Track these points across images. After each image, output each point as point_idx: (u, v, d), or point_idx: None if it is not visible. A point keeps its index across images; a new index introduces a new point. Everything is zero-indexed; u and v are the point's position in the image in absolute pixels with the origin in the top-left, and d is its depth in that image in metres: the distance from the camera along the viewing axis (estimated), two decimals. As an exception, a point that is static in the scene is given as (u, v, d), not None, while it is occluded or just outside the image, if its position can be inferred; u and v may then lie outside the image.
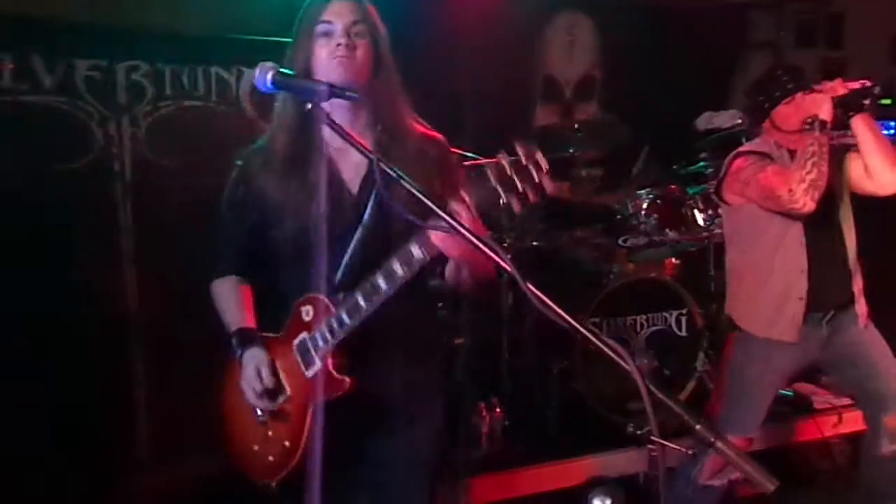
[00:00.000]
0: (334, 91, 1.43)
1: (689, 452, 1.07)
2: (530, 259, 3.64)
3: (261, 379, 1.66)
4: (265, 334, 1.74)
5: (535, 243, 3.65)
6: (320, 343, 1.63)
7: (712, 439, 1.04)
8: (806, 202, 2.36)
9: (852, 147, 2.72)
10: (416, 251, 1.48)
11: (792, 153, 2.54)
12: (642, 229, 3.53)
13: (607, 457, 3.14)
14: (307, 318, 1.66)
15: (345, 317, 1.58)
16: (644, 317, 3.39)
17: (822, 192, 2.38)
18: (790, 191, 2.36)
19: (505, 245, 3.46)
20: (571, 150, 3.48)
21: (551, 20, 4.74)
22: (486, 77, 4.08)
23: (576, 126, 3.55)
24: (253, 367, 1.67)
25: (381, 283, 1.53)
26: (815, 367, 2.87)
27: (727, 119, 4.37)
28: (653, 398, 1.05)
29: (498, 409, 3.21)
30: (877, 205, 2.65)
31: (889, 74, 4.23)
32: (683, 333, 3.45)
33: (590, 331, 1.11)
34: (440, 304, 3.49)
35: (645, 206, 3.58)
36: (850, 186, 2.67)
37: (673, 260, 3.86)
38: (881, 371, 2.65)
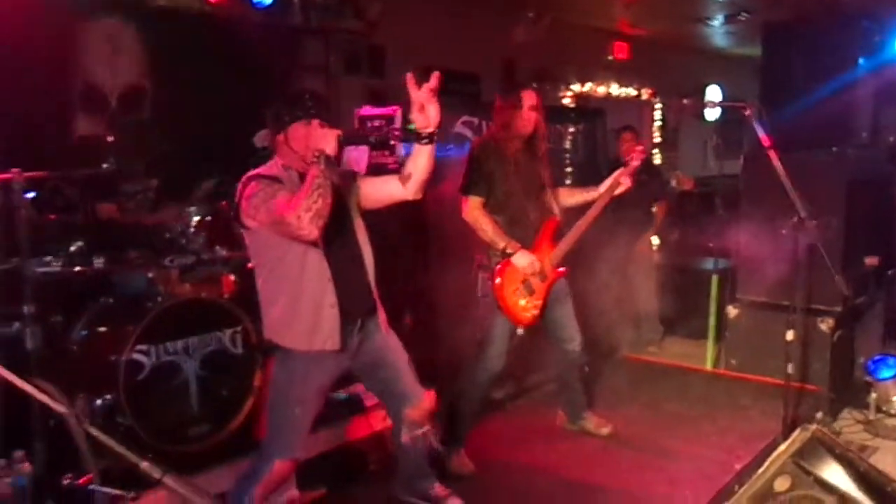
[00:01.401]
0: None
1: (129, 496, 1.00)
2: (66, 286, 3.26)
3: None
4: None
5: (78, 268, 3.29)
6: None
7: (158, 476, 0.99)
8: (311, 230, 2.47)
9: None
10: None
11: (301, 176, 2.64)
12: (190, 248, 3.42)
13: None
14: None
15: None
16: (196, 338, 3.27)
17: (326, 220, 2.50)
18: (298, 217, 2.45)
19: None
20: (106, 165, 3.19)
21: (91, 26, 4.35)
22: (13, 85, 3.58)
23: (110, 139, 3.28)
24: None
25: None
26: (348, 373, 3.07)
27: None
28: (90, 439, 0.95)
29: (26, 464, 2.77)
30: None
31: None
32: (239, 351, 3.42)
33: (19, 375, 0.96)
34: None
35: (193, 223, 3.47)
36: (361, 205, 2.89)
37: (231, 277, 3.82)
38: (402, 372, 2.99)
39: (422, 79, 2.58)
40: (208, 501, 0.96)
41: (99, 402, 3.03)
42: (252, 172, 2.71)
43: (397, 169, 4.37)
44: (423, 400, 3.04)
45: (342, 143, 2.60)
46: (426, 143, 2.65)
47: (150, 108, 4.51)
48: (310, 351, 2.73)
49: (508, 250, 3.49)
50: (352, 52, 5.85)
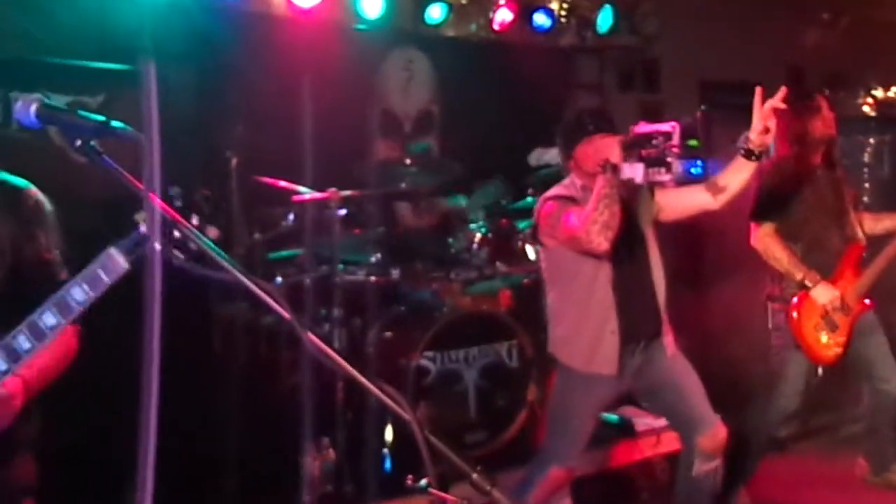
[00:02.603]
0: (103, 127, 1.33)
1: (464, 503, 1.06)
2: (365, 293, 3.62)
3: None
4: None
5: (372, 278, 3.64)
6: None
7: (488, 488, 1.04)
8: (600, 242, 2.48)
9: (657, 184, 2.94)
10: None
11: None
12: (473, 263, 3.60)
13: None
14: None
15: None
16: (476, 349, 3.44)
17: (616, 232, 2.50)
18: (587, 231, 2.47)
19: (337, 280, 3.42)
20: (403, 184, 3.49)
21: (389, 55, 4.80)
22: (325, 112, 4.08)
23: (408, 161, 3.58)
24: None
25: None
26: (629, 394, 3.01)
27: (555, 155, 4.58)
28: (430, 448, 1.03)
29: (330, 450, 3.13)
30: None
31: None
32: (514, 364, 3.53)
33: (371, 380, 1.08)
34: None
35: (476, 239, 3.66)
36: (659, 217, 2.84)
37: (508, 292, 3.96)
38: (689, 395, 2.83)
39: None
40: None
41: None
42: (549, 193, 2.81)
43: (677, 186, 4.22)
44: (716, 428, 2.85)
45: (625, 148, 2.62)
46: (754, 160, 2.64)
47: (438, 130, 4.86)
48: (587, 372, 2.74)
49: (807, 283, 3.18)
50: (626, 67, 5.78)
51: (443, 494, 1.01)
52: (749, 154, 2.61)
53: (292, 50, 4.14)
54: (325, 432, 3.18)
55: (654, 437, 3.67)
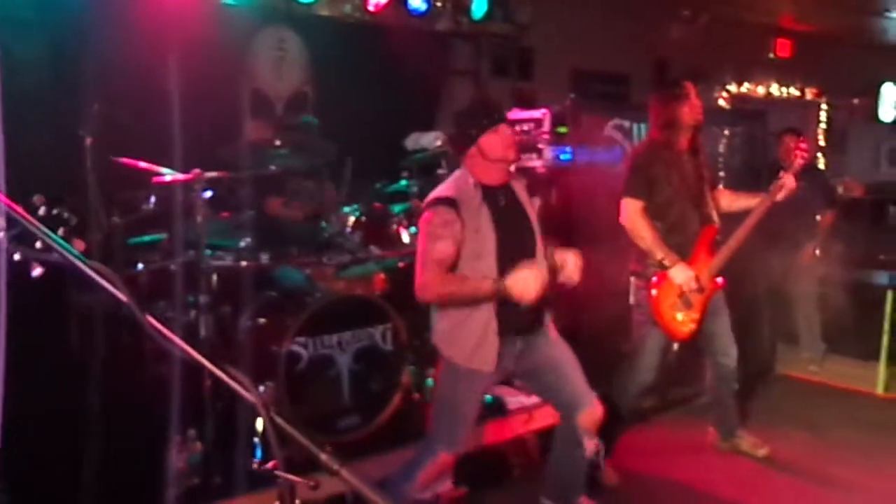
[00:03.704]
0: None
1: (311, 485, 1.04)
2: (235, 279, 3.50)
3: None
4: None
5: (242, 263, 3.52)
6: None
7: (336, 468, 1.03)
8: (424, 300, 2.72)
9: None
10: None
11: (486, 191, 2.72)
12: (347, 246, 3.56)
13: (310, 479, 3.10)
14: None
15: None
16: (349, 333, 3.40)
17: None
18: (424, 290, 2.65)
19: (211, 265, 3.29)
20: (273, 167, 3.39)
21: (260, 33, 4.64)
22: (192, 90, 3.90)
23: (278, 143, 3.48)
24: None
25: None
26: (511, 376, 3.09)
27: (431, 140, 4.61)
28: (276, 429, 1.01)
29: (197, 443, 3.02)
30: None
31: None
32: (389, 348, 3.52)
33: (215, 364, 1.04)
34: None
35: (349, 223, 3.61)
36: None
37: (382, 275, 3.95)
38: (568, 376, 2.91)
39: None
40: (384, 499, 0.99)
41: (260, 389, 3.22)
42: (434, 195, 2.77)
43: (546, 172, 4.36)
44: (594, 406, 2.94)
45: None
46: None
47: (312, 112, 4.75)
48: (469, 368, 2.79)
49: (666, 263, 3.37)
50: (500, 55, 5.88)
51: (290, 476, 0.99)
52: None
53: (156, 22, 3.92)
54: (193, 424, 3.07)
55: (525, 415, 3.77)
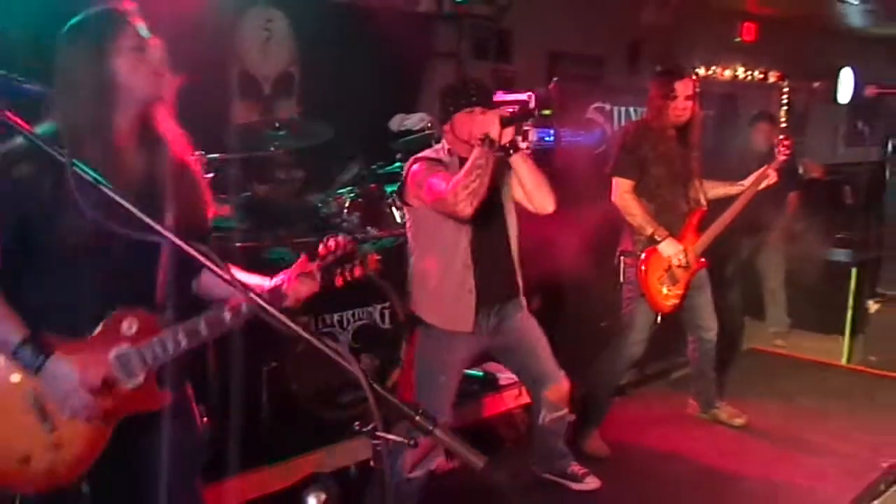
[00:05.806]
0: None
1: (411, 443, 1.13)
2: (236, 260, 3.51)
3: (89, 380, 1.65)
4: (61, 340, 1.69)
5: (238, 244, 3.54)
6: (149, 359, 1.72)
7: (430, 427, 1.12)
8: (465, 207, 2.61)
9: None
10: (226, 316, 1.76)
11: (462, 161, 2.77)
12: (345, 227, 3.61)
13: (320, 453, 3.18)
14: (129, 332, 1.72)
15: (182, 340, 1.73)
16: (350, 312, 3.48)
17: (481, 200, 2.63)
18: (455, 194, 2.60)
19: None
20: (273, 148, 3.42)
21: (247, 14, 4.62)
22: (180, 73, 3.86)
23: (276, 124, 3.51)
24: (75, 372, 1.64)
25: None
26: (487, 351, 3.20)
27: (416, 122, 4.67)
28: (375, 395, 1.09)
29: (205, 419, 3.06)
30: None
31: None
32: (387, 326, 3.61)
33: (316, 337, 1.12)
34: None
35: (347, 204, 3.67)
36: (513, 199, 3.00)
37: (377, 256, 3.99)
38: (538, 353, 3.09)
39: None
40: (479, 461, 1.09)
41: (266, 368, 3.27)
42: (418, 155, 2.89)
43: (533, 154, 4.44)
44: (560, 383, 3.13)
45: (504, 124, 2.71)
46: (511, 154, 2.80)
47: (299, 93, 4.76)
48: (447, 330, 2.90)
49: (657, 237, 3.51)
50: (481, 37, 5.95)
51: (391, 436, 1.08)
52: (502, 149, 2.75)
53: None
54: (201, 400, 3.10)
55: (516, 389, 3.91)
